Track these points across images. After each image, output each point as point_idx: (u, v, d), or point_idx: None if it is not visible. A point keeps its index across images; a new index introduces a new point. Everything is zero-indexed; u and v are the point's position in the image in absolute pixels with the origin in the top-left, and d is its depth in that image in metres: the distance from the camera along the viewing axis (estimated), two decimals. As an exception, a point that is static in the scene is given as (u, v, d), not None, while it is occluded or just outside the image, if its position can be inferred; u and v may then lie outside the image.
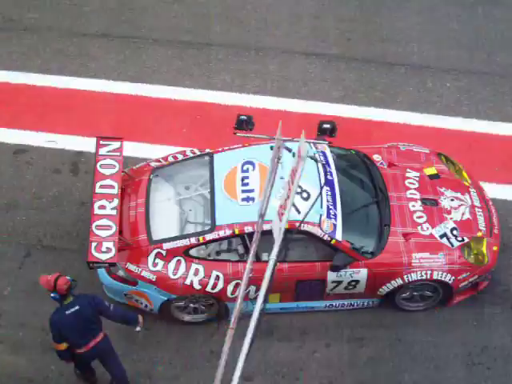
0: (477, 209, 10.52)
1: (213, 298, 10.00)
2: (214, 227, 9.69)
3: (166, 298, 9.96)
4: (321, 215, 9.64)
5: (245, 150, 10.38)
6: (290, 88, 13.30)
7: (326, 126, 8.72)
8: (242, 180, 9.93)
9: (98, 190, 9.72)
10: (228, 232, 9.65)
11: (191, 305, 10.23)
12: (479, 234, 10.26)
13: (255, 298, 8.41)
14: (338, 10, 14.50)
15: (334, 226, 9.73)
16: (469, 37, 14.08)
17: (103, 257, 9.24)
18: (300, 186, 9.30)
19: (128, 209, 10.12)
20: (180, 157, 10.90)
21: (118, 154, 10.02)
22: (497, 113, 13.00)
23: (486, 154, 12.35)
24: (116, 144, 10.24)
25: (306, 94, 13.25)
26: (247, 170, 10.01)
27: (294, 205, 8.85)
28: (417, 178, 10.71)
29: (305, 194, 9.58)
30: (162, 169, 10.71)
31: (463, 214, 10.35)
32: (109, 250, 9.30)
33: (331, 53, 13.84)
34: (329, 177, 10.09)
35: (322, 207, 9.70)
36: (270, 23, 14.29)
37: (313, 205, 8.78)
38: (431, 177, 10.75)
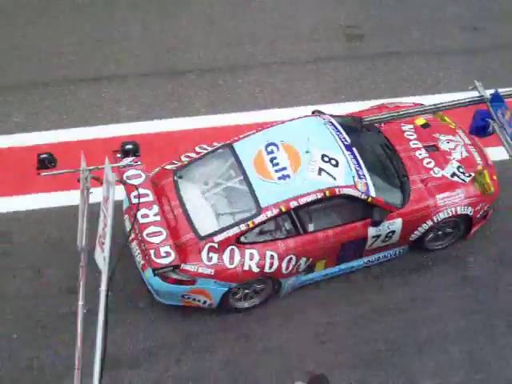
0: (469, 146, 11.69)
1: (268, 278, 10.36)
2: (260, 210, 10.02)
3: (226, 289, 10.21)
4: (353, 177, 10.35)
5: (263, 134, 10.83)
6: (87, 116, 13.15)
7: (129, 146, 8.94)
8: (271, 161, 10.37)
9: (134, 201, 9.45)
10: (275, 211, 10.05)
11: (246, 291, 10.55)
12: (479, 167, 11.41)
13: (304, 271, 10.55)
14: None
15: (367, 184, 10.45)
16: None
17: (165, 261, 9.31)
18: (327, 155, 10.37)
19: (163, 213, 9.95)
20: (194, 155, 11.06)
21: (139, 162, 9.55)
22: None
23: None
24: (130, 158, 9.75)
25: (104, 118, 13.14)
26: (272, 152, 10.46)
27: (328, 173, 10.19)
28: (412, 130, 11.78)
29: (333, 162, 10.38)
30: (183, 169, 10.83)
31: (461, 152, 11.52)
32: (168, 253, 9.37)
33: (120, 73, 13.81)
34: (345, 142, 10.76)
35: (351, 170, 10.39)
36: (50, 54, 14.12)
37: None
38: (423, 126, 11.85)
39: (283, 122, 11.02)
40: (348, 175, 10.32)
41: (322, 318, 10.89)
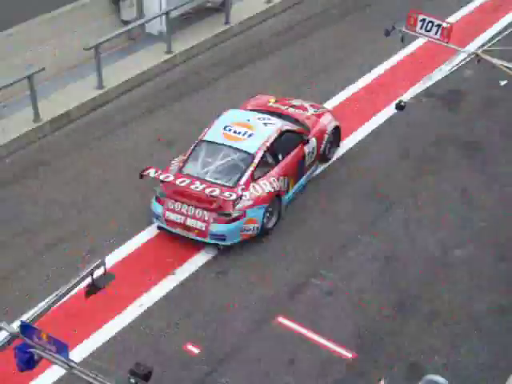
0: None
1: (276, 197, 14.25)
2: (253, 155, 14.20)
3: (264, 209, 13.88)
4: (283, 122, 15.23)
5: (217, 123, 14.89)
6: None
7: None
8: (235, 132, 14.56)
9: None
10: (261, 152, 14.28)
11: (270, 209, 14.20)
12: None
13: (286, 190, 14.71)
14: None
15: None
16: None
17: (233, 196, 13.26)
18: (261, 118, 15.14)
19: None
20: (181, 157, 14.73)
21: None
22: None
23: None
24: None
25: None
26: (230, 129, 14.66)
27: (270, 123, 14.92)
28: (277, 104, 16.59)
29: (267, 119, 15.08)
30: (185, 166, 14.30)
31: (306, 104, 16.70)
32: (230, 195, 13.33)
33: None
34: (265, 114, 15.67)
35: (279, 120, 15.33)
36: None
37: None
38: (276, 102, 16.66)
39: (221, 114, 15.13)
40: (281, 121, 15.12)
41: None
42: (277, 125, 14.85)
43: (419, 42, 18.89)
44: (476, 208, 14.88)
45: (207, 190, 13.20)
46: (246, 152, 14.13)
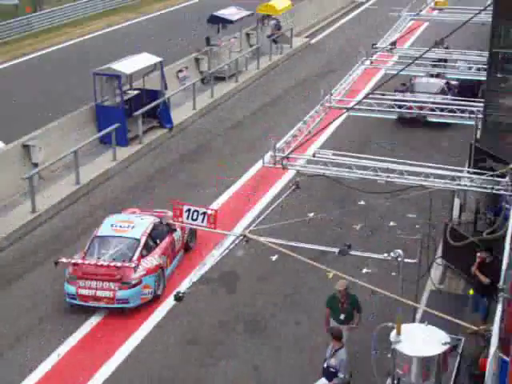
0: None
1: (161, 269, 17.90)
2: (139, 240, 17.93)
3: (154, 277, 17.46)
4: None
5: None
6: None
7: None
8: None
9: None
10: (146, 236, 18.14)
11: None
12: None
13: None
14: None
15: None
16: None
17: None
18: None
19: None
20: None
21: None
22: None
23: None
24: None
25: None
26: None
27: None
28: None
29: None
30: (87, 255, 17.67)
31: None
32: None
33: None
34: None
35: None
36: None
37: None
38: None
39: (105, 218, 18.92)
40: (152, 217, 19.04)
41: None
42: (150, 219, 18.73)
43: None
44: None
45: (113, 263, 16.98)
46: (133, 238, 17.82)
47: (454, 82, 29.76)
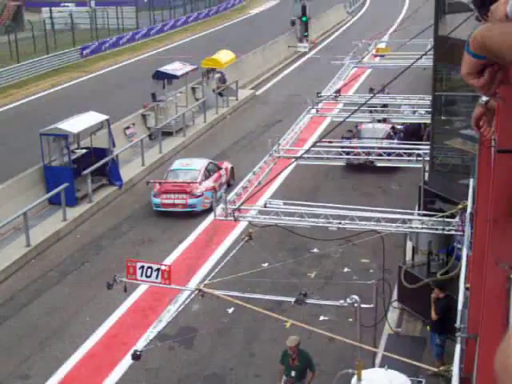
0: None
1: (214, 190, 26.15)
2: (199, 171, 27.17)
3: (210, 193, 25.83)
4: None
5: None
6: None
7: None
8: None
9: None
10: (204, 169, 27.15)
11: None
12: None
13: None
14: None
15: None
16: None
17: None
18: None
19: None
20: None
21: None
22: None
23: None
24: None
25: None
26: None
27: None
28: None
29: None
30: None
31: None
32: None
33: None
34: None
35: None
36: None
37: None
38: None
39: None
40: (206, 160, 28.29)
41: None
42: (206, 160, 28.02)
43: (143, 287, 19.12)
44: None
45: (185, 182, 26.38)
46: (196, 169, 26.97)
47: (399, 127, 30.20)
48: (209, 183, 26.52)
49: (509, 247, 2.99)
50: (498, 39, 2.09)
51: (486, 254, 3.27)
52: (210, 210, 23.56)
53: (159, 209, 26.02)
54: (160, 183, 26.38)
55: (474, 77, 2.25)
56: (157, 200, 25.98)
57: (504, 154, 3.12)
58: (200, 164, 27.31)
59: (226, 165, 28.75)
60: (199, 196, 25.89)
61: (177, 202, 25.82)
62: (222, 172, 27.83)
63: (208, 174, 26.98)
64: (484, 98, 3.29)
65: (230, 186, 27.33)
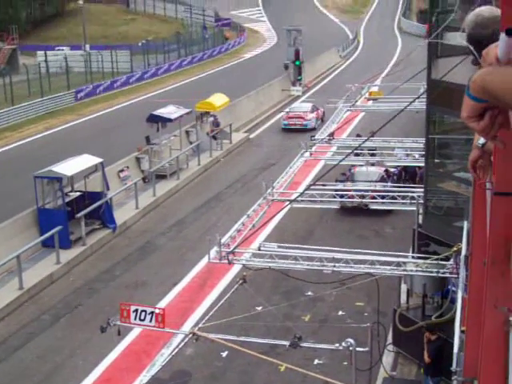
0: None
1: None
2: (309, 106, 49.58)
3: (315, 121, 47.26)
4: None
5: None
6: None
7: None
8: None
9: None
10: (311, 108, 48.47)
11: None
12: None
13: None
14: None
15: None
16: None
17: None
18: None
19: None
20: None
21: None
22: None
23: None
24: None
25: None
26: None
27: None
28: None
29: None
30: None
31: None
32: None
33: None
34: None
35: None
36: None
37: None
38: None
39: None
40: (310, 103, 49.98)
41: None
42: (310, 104, 48.01)
43: (137, 330, 19.00)
44: None
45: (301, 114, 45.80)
46: (306, 107, 47.51)
47: (392, 170, 30.31)
48: (313, 115, 45.74)
49: (507, 290, 2.99)
50: (498, 83, 2.11)
51: (484, 297, 3.27)
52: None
53: (287, 127, 45.36)
54: (287, 113, 46.62)
55: (475, 120, 2.27)
56: (285, 122, 45.71)
57: (501, 197, 3.13)
58: (308, 105, 47.91)
59: (321, 109, 45.98)
60: (308, 120, 45.04)
61: (297, 123, 44.96)
62: (320, 112, 46.33)
63: (312, 110, 46.18)
64: (481, 141, 3.32)
65: (322, 121, 43.60)
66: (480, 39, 3.93)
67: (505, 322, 3.09)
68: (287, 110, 47.77)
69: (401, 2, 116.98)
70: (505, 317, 3.10)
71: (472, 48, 3.77)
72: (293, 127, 44.62)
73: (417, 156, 27.06)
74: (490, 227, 3.28)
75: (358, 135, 34.29)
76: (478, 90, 2.20)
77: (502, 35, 2.38)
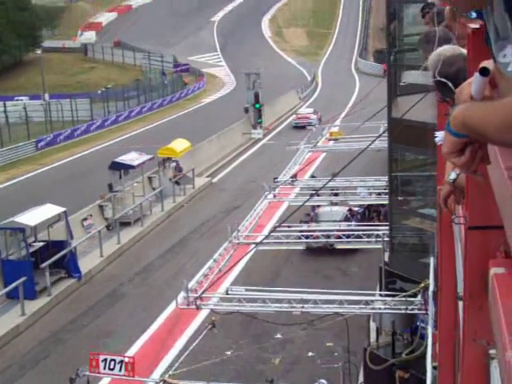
0: None
1: None
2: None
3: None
4: None
5: None
6: None
7: None
8: None
9: None
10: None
11: None
12: None
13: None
14: None
15: None
16: None
17: None
18: None
19: None
20: None
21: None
22: None
23: None
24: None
25: None
26: None
27: None
28: None
29: None
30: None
31: None
32: None
33: None
34: None
35: None
36: None
37: None
38: None
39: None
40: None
41: None
42: (311, 109, 66.88)
43: (106, 380, 18.76)
44: None
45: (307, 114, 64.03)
46: (310, 110, 66.73)
47: (356, 209, 30.47)
48: (314, 116, 60.97)
49: (485, 323, 3.02)
50: (478, 118, 2.15)
51: (463, 331, 3.29)
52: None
53: (297, 125, 61.04)
54: (296, 115, 64.67)
55: (456, 155, 2.31)
56: (296, 121, 62.76)
57: (475, 231, 3.17)
58: (311, 109, 64.99)
59: (320, 113, 61.60)
60: (312, 119, 59.47)
61: (304, 121, 60.33)
62: (319, 115, 61.02)
63: (314, 113, 62.43)
64: (451, 177, 3.37)
65: (320, 121, 55.80)
66: (446, 77, 4.01)
67: (484, 355, 3.12)
68: (296, 113, 67.51)
69: (357, 43, 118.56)
70: (484, 350, 3.12)
71: (437, 88, 3.84)
72: (301, 125, 59.75)
73: (380, 194, 27.25)
74: (464, 261, 3.32)
75: (313, 176, 34.64)
76: (459, 126, 2.24)
77: (476, 75, 2.44)
